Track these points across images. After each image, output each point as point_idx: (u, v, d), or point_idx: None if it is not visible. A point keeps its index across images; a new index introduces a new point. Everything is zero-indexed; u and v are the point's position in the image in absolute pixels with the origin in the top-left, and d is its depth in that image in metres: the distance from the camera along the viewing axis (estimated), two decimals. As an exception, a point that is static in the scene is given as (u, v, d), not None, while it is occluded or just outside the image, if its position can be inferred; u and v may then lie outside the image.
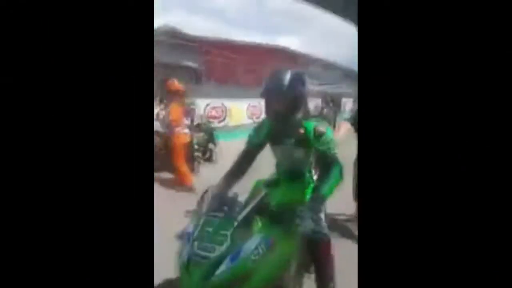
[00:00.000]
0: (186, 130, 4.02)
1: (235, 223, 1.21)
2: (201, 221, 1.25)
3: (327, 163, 1.50)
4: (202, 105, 9.07)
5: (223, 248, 1.14)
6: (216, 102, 10.33)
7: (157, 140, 4.12)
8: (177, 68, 11.29)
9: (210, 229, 1.20)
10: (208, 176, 2.80)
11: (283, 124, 1.53)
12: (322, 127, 1.55)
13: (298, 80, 1.51)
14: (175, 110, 3.85)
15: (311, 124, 1.55)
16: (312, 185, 1.68)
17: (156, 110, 4.65)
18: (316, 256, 1.59)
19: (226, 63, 13.66)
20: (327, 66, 21.51)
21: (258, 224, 1.28)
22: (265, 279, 1.19)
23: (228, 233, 1.17)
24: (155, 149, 3.96)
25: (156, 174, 3.56)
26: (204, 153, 5.18)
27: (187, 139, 4.04)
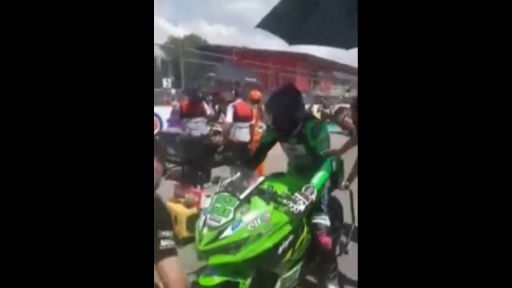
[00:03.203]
0: (261, 130, 4.87)
1: (237, 201, 1.55)
2: (214, 198, 1.63)
3: (320, 159, 1.82)
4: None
5: (227, 219, 1.49)
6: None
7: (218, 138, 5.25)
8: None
9: (219, 205, 1.56)
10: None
11: (286, 125, 1.87)
12: (318, 128, 1.86)
13: (292, 96, 1.88)
14: (256, 114, 4.66)
15: (311, 124, 1.88)
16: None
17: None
18: (317, 243, 1.86)
19: (257, 72, 14.71)
20: (354, 71, 21.98)
21: (257, 203, 1.61)
22: (259, 246, 1.50)
23: (232, 208, 1.52)
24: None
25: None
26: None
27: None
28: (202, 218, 1.59)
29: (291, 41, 3.36)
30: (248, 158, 2.25)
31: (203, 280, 1.47)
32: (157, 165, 1.27)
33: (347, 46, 3.45)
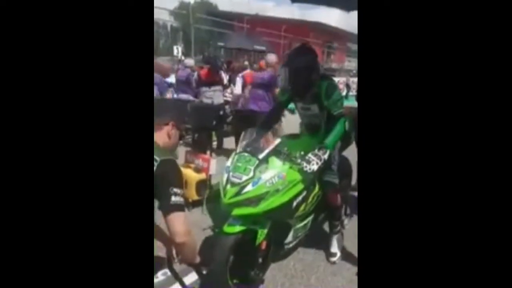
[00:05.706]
0: None
1: (257, 161, 1.76)
2: (235, 158, 1.83)
3: (333, 119, 1.91)
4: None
5: (248, 176, 1.71)
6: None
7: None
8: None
9: (240, 164, 1.77)
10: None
11: (301, 85, 1.94)
12: (332, 88, 1.93)
13: (309, 56, 1.93)
14: None
15: (325, 83, 1.93)
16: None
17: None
18: (326, 200, 2.08)
19: (270, 41, 14.36)
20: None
21: (274, 163, 1.79)
22: (276, 200, 1.71)
23: (252, 167, 1.74)
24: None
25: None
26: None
27: None
28: (225, 175, 1.79)
29: None
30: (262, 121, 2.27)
31: (227, 228, 1.70)
32: (174, 129, 1.38)
33: (348, 8, 3.49)
